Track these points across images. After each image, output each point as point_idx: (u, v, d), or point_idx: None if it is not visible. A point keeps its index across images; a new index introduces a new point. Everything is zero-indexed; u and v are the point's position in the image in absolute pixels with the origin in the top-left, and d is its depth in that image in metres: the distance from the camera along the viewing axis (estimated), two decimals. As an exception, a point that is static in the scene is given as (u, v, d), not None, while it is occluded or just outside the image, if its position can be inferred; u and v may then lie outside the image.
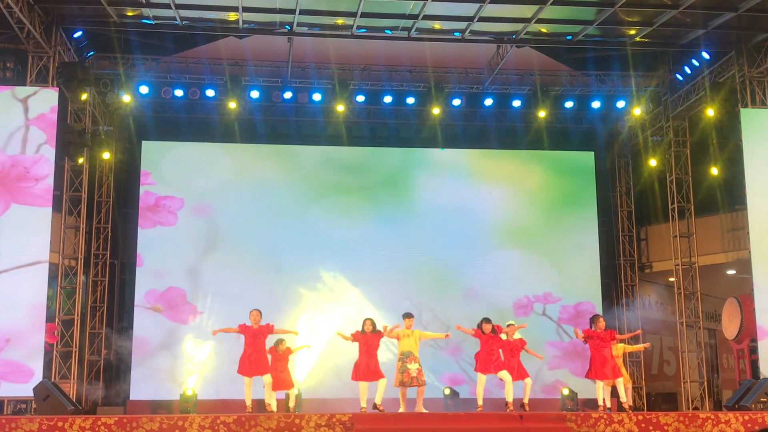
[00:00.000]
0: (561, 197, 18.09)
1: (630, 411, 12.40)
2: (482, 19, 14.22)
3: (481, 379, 12.63)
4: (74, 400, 13.56)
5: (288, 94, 16.65)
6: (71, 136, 14.63)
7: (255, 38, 15.59)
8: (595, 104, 17.27)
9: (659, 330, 19.39)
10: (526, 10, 13.95)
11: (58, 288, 14.69)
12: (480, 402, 12.60)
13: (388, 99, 16.92)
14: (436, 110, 16.80)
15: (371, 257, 17.17)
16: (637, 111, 17.21)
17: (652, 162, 17.62)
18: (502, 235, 17.69)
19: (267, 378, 12.37)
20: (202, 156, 17.52)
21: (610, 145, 18.78)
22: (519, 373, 12.95)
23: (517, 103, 17.10)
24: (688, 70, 16.50)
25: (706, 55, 15.83)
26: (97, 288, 17.12)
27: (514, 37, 14.99)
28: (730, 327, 16.91)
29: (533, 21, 14.17)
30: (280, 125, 18.17)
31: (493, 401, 13.27)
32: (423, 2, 13.48)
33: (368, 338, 12.44)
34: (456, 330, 13.08)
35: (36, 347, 13.29)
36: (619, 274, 18.44)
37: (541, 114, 16.95)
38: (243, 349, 12.54)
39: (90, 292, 16.90)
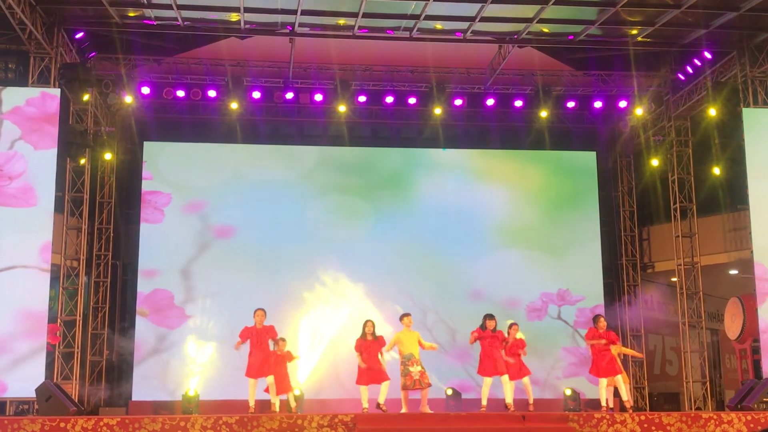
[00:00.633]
0: (563, 197, 18.08)
1: (631, 410, 12.42)
2: (484, 19, 14.20)
3: (487, 381, 12.67)
4: (76, 400, 13.56)
5: (289, 95, 16.63)
6: (73, 137, 14.62)
7: (256, 39, 15.58)
8: (597, 104, 17.25)
9: (661, 330, 19.38)
10: (528, 10, 13.94)
11: (60, 289, 14.70)
12: (484, 402, 12.61)
13: (389, 99, 16.90)
14: (437, 110, 16.81)
15: (373, 258, 17.14)
16: (638, 111, 17.19)
17: (654, 162, 17.60)
18: (503, 236, 17.67)
19: (270, 379, 12.39)
20: (203, 156, 17.53)
21: (612, 145, 18.77)
22: (521, 371, 12.97)
23: (518, 103, 17.08)
24: (690, 69, 16.47)
25: (708, 55, 15.80)
26: (99, 289, 17.13)
27: (515, 37, 14.99)
28: (732, 327, 16.89)
29: (535, 21, 14.16)
30: (281, 126, 18.18)
31: (496, 401, 13.26)
32: (425, 2, 13.47)
33: (369, 345, 12.50)
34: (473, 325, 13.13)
35: (38, 348, 13.27)
36: (621, 274, 18.43)
37: (543, 114, 16.94)
38: (249, 351, 12.54)
39: (92, 293, 16.91)
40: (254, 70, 16.59)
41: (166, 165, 17.42)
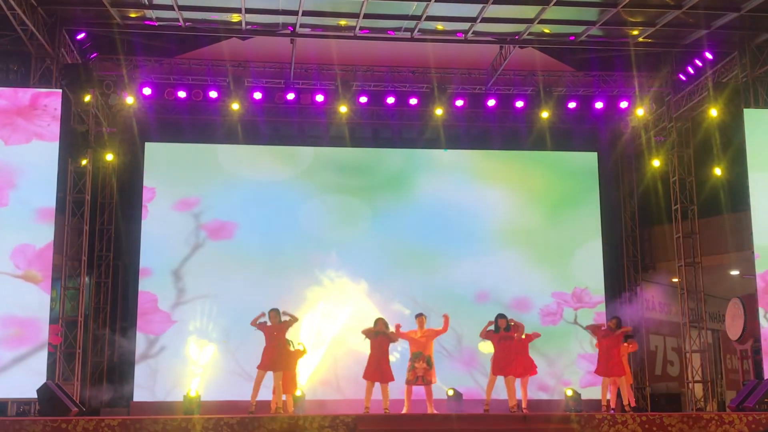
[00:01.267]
0: (564, 198, 18.08)
1: (629, 410, 12.43)
2: (485, 20, 14.21)
3: (492, 379, 12.69)
4: (78, 401, 13.58)
5: (291, 96, 16.64)
6: (74, 138, 14.63)
7: (258, 39, 15.59)
8: (598, 105, 17.24)
9: (663, 330, 19.38)
10: (529, 11, 13.94)
11: (62, 289, 14.71)
12: (488, 401, 12.62)
13: (390, 100, 16.90)
14: (438, 111, 16.81)
15: (374, 259, 17.15)
16: (640, 111, 17.20)
17: (656, 162, 17.60)
18: (504, 237, 17.67)
19: (278, 376, 12.39)
20: (204, 157, 17.54)
21: (613, 146, 18.76)
22: (526, 369, 12.96)
23: (520, 104, 17.08)
24: (691, 70, 16.46)
25: (709, 56, 15.79)
26: (100, 289, 17.15)
27: (516, 37, 14.99)
28: (733, 328, 16.87)
29: (536, 22, 14.17)
30: (282, 126, 18.18)
31: (499, 402, 13.27)
32: (426, 3, 13.47)
33: (379, 341, 12.55)
34: (474, 324, 13.16)
35: (39, 348, 13.28)
36: (622, 275, 18.42)
37: (544, 115, 16.93)
38: (265, 346, 12.58)
39: (94, 294, 16.93)
40: (255, 70, 16.59)
41: (166, 165, 17.43)
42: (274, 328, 12.55)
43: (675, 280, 17.58)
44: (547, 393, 16.64)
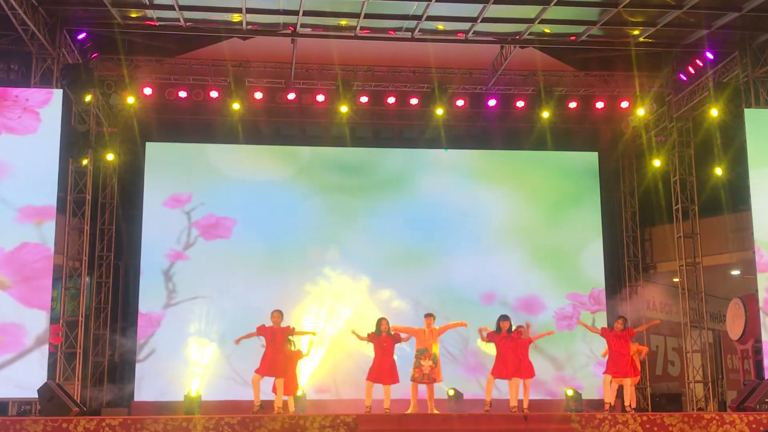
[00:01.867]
0: (564, 198, 18.09)
1: (630, 411, 12.42)
2: (486, 20, 14.20)
3: (491, 380, 12.66)
4: (78, 401, 13.57)
5: (291, 96, 16.65)
6: (75, 138, 14.63)
7: (258, 39, 15.59)
8: (599, 105, 17.25)
9: (664, 331, 19.36)
10: (530, 11, 13.94)
11: (63, 289, 14.72)
12: (488, 401, 12.60)
13: (391, 100, 16.91)
14: (439, 111, 16.79)
15: (375, 259, 17.15)
16: (640, 111, 17.20)
17: (656, 162, 17.60)
18: (505, 237, 17.68)
19: (279, 382, 12.33)
20: (204, 157, 17.54)
21: (614, 146, 18.76)
22: (527, 372, 12.94)
23: (520, 104, 17.09)
24: (691, 70, 16.46)
25: (710, 56, 15.79)
26: (101, 289, 17.17)
27: (517, 37, 14.99)
28: (734, 328, 16.86)
29: (537, 21, 14.16)
30: (283, 126, 18.19)
31: (499, 402, 13.26)
32: (426, 3, 13.47)
33: (382, 340, 12.48)
34: (474, 325, 13.09)
35: (40, 348, 13.27)
36: (623, 275, 18.42)
37: (545, 114, 16.91)
38: (264, 349, 12.47)
39: (94, 294, 16.93)
40: (256, 70, 16.60)
41: (167, 165, 17.43)
42: (277, 331, 12.45)
43: (676, 280, 17.58)
44: (549, 393, 16.61)
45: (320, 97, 16.69)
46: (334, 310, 16.91)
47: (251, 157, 17.64)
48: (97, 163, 16.40)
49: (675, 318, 18.38)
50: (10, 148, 13.49)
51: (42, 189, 13.47)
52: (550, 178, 18.14)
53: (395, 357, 12.64)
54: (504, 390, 13.09)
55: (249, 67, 16.53)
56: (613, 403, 12.74)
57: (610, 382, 12.71)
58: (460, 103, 16.98)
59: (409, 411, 12.43)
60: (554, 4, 13.39)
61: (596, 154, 18.50)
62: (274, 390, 12.40)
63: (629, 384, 12.80)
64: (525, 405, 12.54)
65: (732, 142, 15.80)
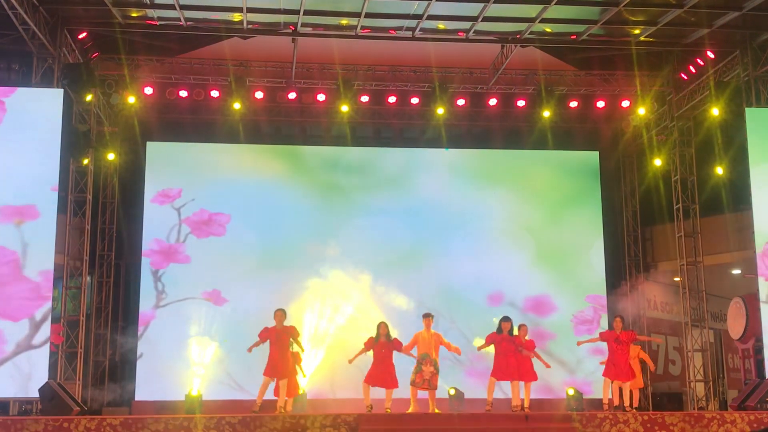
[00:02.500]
0: (565, 197, 18.08)
1: (630, 410, 12.43)
2: (486, 19, 14.19)
3: (492, 380, 12.66)
4: (79, 400, 13.58)
5: (292, 95, 16.66)
6: (76, 138, 14.64)
7: (259, 39, 15.58)
8: (600, 104, 17.26)
9: (664, 330, 19.36)
10: (531, 10, 13.93)
11: (64, 289, 14.72)
12: (489, 400, 12.60)
13: (392, 99, 16.92)
14: (440, 110, 16.78)
15: (376, 259, 17.14)
16: (641, 110, 17.19)
17: (657, 162, 17.59)
18: (505, 236, 17.66)
19: (283, 383, 12.32)
20: (205, 156, 17.54)
21: (615, 145, 18.75)
22: (528, 374, 12.92)
23: (521, 103, 17.10)
24: (692, 69, 16.45)
25: (710, 55, 15.79)
26: (102, 289, 17.17)
27: (518, 36, 14.98)
28: (735, 327, 16.86)
29: (537, 21, 14.15)
30: (284, 126, 18.20)
31: (500, 401, 13.26)
32: (427, 2, 13.46)
33: (381, 346, 12.45)
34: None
35: (41, 348, 13.27)
36: (624, 274, 18.41)
37: (546, 114, 16.91)
38: (269, 351, 12.44)
39: (95, 293, 16.94)
40: (257, 70, 16.60)
41: (167, 165, 17.44)
42: (281, 331, 12.44)
43: (677, 279, 17.58)
44: (550, 392, 16.57)
45: (321, 97, 16.70)
46: (333, 311, 16.91)
47: (252, 157, 17.65)
48: (98, 162, 16.40)
49: (676, 317, 18.38)
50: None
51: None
52: (550, 178, 18.14)
53: (394, 362, 12.61)
54: (506, 389, 13.10)
55: (250, 67, 16.53)
56: (615, 402, 12.73)
57: (610, 385, 12.71)
58: (460, 102, 16.99)
59: (409, 410, 12.43)
60: (555, 3, 13.38)
61: (597, 153, 18.50)
62: (276, 391, 12.42)
63: (628, 387, 12.80)
64: (526, 404, 12.54)
65: (733, 141, 15.79)
